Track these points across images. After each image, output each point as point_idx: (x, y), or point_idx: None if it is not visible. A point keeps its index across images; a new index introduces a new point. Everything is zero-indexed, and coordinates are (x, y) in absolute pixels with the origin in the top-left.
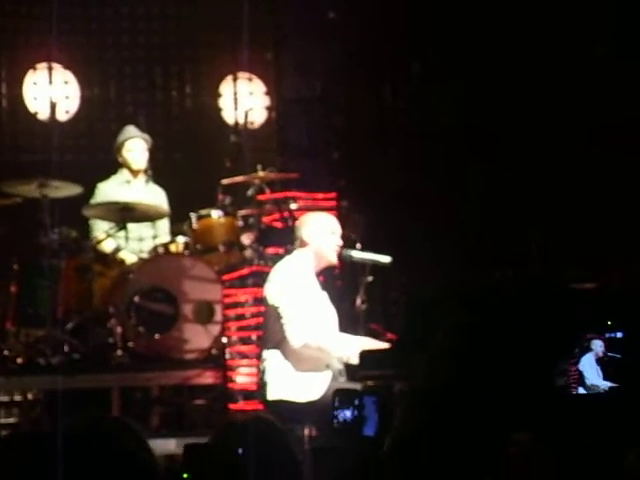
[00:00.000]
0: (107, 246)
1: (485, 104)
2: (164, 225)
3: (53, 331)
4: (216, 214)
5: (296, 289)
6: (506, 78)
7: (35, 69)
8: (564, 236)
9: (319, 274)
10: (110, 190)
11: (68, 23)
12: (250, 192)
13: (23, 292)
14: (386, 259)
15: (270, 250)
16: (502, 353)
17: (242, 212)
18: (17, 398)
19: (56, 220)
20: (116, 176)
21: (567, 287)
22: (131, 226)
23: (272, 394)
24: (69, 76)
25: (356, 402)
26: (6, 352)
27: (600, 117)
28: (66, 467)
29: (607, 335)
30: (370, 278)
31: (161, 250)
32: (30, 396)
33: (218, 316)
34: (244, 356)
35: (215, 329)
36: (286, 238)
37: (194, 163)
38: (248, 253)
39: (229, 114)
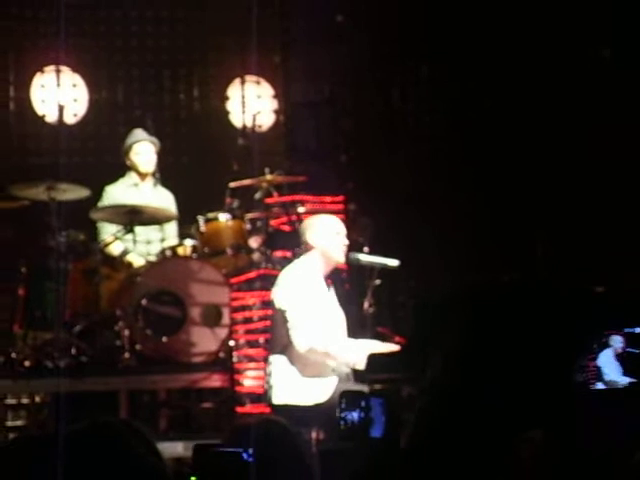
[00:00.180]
0: (115, 249)
1: (494, 107)
2: (172, 228)
3: (61, 334)
4: (224, 217)
5: (303, 293)
6: (515, 81)
7: (43, 72)
8: (571, 239)
9: (327, 277)
10: (118, 193)
11: (76, 26)
12: (258, 195)
13: (31, 295)
14: (394, 262)
15: (278, 253)
16: (514, 353)
17: (250, 215)
18: (25, 401)
19: (64, 223)
20: (124, 179)
21: (580, 288)
22: (139, 229)
23: (278, 398)
24: (77, 79)
25: (362, 404)
26: (14, 355)
27: (602, 120)
28: (74, 470)
29: (626, 330)
30: (378, 281)
31: (169, 253)
32: (38, 399)
33: (225, 319)
34: (251, 359)
35: (222, 332)
36: (294, 241)
37: (202, 166)
38: (256, 256)
39: (237, 117)
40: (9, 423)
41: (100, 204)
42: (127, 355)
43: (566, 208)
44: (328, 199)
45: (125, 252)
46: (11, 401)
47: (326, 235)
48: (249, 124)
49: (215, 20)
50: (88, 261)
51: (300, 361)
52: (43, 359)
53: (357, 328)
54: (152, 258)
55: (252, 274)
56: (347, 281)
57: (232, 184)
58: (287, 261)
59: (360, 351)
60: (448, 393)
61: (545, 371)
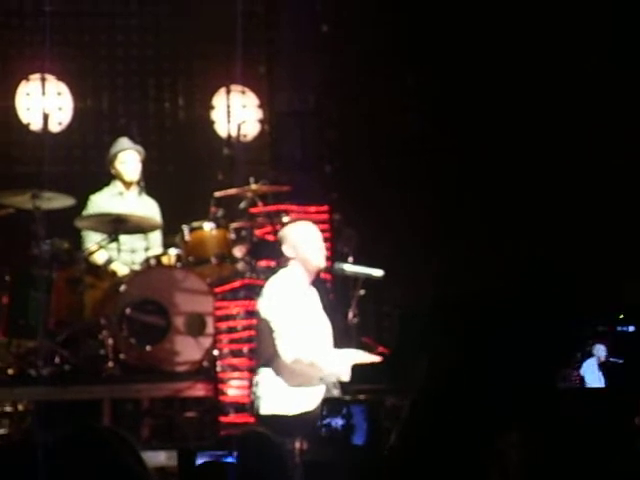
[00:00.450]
0: (99, 258)
1: (481, 117)
2: (156, 237)
3: (44, 342)
4: (208, 226)
5: (287, 304)
6: (503, 90)
7: (28, 80)
8: (560, 247)
9: (314, 284)
10: (102, 202)
11: (61, 34)
12: (243, 205)
13: (14, 303)
14: (378, 273)
15: (262, 263)
16: (500, 360)
17: (234, 225)
18: (8, 409)
19: (48, 231)
20: (109, 188)
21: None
22: (123, 238)
23: (265, 409)
24: (62, 87)
25: (344, 411)
26: None
27: (596, 125)
28: (62, 476)
29: (619, 329)
30: (362, 292)
31: (153, 262)
32: (21, 407)
33: (209, 328)
34: (235, 369)
35: (206, 341)
36: (278, 251)
37: (187, 175)
38: (240, 266)
39: (222, 127)
40: None
41: (85, 213)
42: (111, 364)
43: (555, 217)
44: (313, 209)
45: (109, 261)
46: None
47: (300, 244)
48: (234, 133)
49: (200, 29)
50: (72, 270)
51: (286, 371)
52: (27, 367)
53: (341, 338)
54: (136, 267)
55: (236, 283)
56: (331, 291)
57: (217, 193)
58: (271, 271)
59: (345, 362)
60: (434, 399)
61: (529, 377)
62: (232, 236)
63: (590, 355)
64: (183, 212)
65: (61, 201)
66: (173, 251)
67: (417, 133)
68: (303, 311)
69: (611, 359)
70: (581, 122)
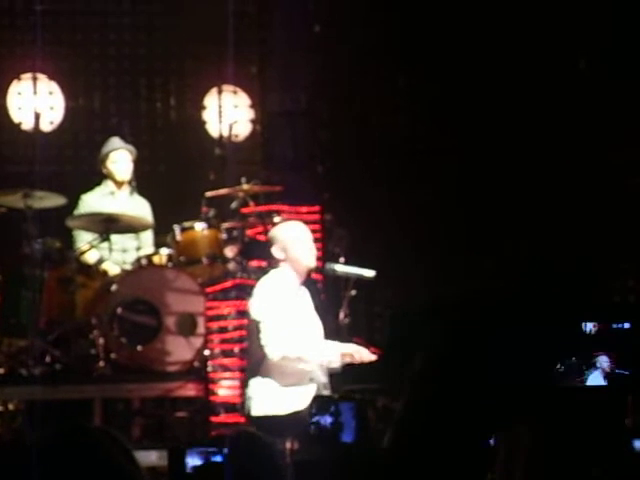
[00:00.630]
0: (90, 257)
1: (471, 117)
2: (148, 237)
3: (35, 341)
4: (200, 226)
5: (278, 304)
6: (495, 90)
7: (19, 79)
8: (551, 249)
9: (305, 284)
10: (94, 201)
11: (53, 34)
12: (234, 205)
13: (6, 302)
14: (370, 273)
15: (253, 263)
16: (494, 360)
17: (226, 225)
18: None
19: (40, 231)
20: (100, 187)
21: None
22: (115, 237)
23: (256, 410)
24: (54, 86)
25: (333, 409)
26: None
27: (580, 129)
28: (52, 476)
29: (614, 326)
30: (353, 292)
31: (144, 262)
32: (11, 406)
33: (201, 328)
34: (226, 369)
35: (198, 341)
36: (269, 251)
37: (178, 175)
38: (231, 266)
39: (214, 127)
40: None
41: (76, 212)
42: (102, 363)
43: (546, 219)
44: (304, 209)
45: (101, 260)
46: None
47: (290, 245)
48: (226, 133)
49: (193, 29)
50: (64, 269)
51: (277, 371)
52: (17, 366)
53: (333, 338)
54: (128, 267)
55: (228, 283)
56: (323, 291)
57: (208, 193)
58: (263, 271)
59: (334, 350)
60: (428, 399)
61: (527, 376)
62: (223, 236)
63: (595, 367)
64: (174, 212)
65: (52, 200)
66: (164, 251)
67: (408, 133)
68: (294, 311)
69: (618, 371)
70: (573, 121)
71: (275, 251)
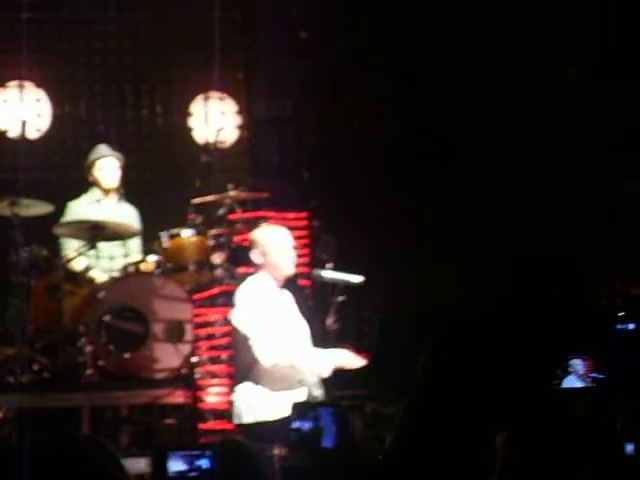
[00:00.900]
0: (78, 265)
1: (460, 122)
2: (135, 244)
3: (23, 350)
4: (187, 233)
5: (258, 310)
6: (482, 94)
7: (6, 87)
8: (540, 254)
9: (290, 290)
10: (81, 209)
11: (39, 42)
12: (221, 211)
13: None
14: (357, 279)
15: (241, 269)
16: (489, 366)
17: (213, 231)
18: None
19: (27, 238)
20: (87, 195)
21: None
22: (102, 245)
23: (245, 417)
24: (40, 94)
25: (312, 414)
26: None
27: (569, 134)
28: None
29: (618, 327)
30: (341, 298)
31: (131, 269)
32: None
33: (188, 335)
34: (214, 376)
35: (185, 348)
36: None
37: (165, 182)
38: (219, 272)
39: (200, 133)
40: None
41: (63, 219)
42: (90, 371)
43: (535, 222)
44: (291, 215)
45: (88, 268)
46: None
47: (268, 251)
48: (212, 140)
49: (178, 36)
50: (51, 277)
51: (267, 376)
52: (5, 375)
53: (320, 345)
54: (115, 274)
55: (215, 290)
56: (310, 298)
57: (195, 200)
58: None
59: (325, 359)
60: (427, 404)
61: (521, 380)
62: (211, 243)
63: (569, 371)
64: (161, 219)
65: (39, 208)
66: (152, 258)
67: (395, 138)
68: (276, 316)
69: (592, 375)
70: (562, 125)
71: (254, 255)
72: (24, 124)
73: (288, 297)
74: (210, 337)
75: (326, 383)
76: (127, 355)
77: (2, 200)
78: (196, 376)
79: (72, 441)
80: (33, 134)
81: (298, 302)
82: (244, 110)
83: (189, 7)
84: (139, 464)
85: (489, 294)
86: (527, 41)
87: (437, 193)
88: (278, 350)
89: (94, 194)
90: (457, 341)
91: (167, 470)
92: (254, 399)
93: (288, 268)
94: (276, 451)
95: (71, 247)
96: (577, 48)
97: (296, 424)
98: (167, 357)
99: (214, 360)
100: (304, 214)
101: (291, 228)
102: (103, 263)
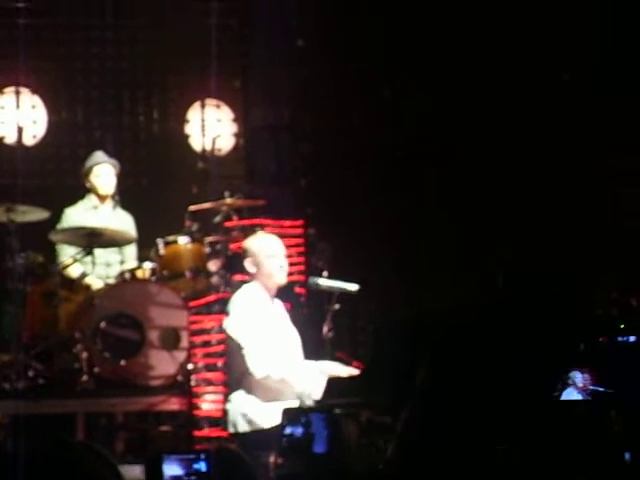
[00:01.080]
0: (73, 271)
1: (455, 129)
2: (131, 251)
3: (18, 356)
4: (183, 240)
5: (252, 321)
6: (479, 101)
7: (2, 93)
8: (533, 263)
9: (280, 297)
10: (77, 215)
11: (36, 47)
12: (217, 219)
13: None
14: (353, 287)
15: (237, 277)
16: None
17: (209, 239)
18: None
19: (23, 245)
20: (83, 201)
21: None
22: (98, 251)
23: (240, 425)
24: (37, 100)
25: (303, 420)
26: None
27: (563, 140)
28: None
29: (619, 339)
30: (337, 306)
31: (127, 276)
32: None
33: (184, 342)
34: (210, 383)
35: (181, 356)
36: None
37: (161, 189)
38: (215, 280)
39: (197, 140)
40: None
41: (59, 226)
42: (85, 378)
43: (531, 229)
44: (287, 223)
45: (84, 274)
46: None
47: (261, 261)
48: (209, 147)
49: (175, 43)
50: (47, 283)
51: (259, 387)
52: (1, 381)
53: (315, 353)
54: (111, 281)
55: (211, 297)
56: (306, 306)
57: (191, 207)
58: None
59: (317, 379)
60: (427, 413)
61: (524, 388)
62: (207, 250)
63: (569, 384)
64: (158, 226)
65: (35, 214)
66: (148, 265)
67: (392, 146)
68: (268, 325)
69: (593, 388)
70: (558, 131)
71: (247, 265)
72: (20, 130)
73: (280, 307)
74: (206, 344)
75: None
76: (122, 362)
77: None
78: (191, 383)
79: (67, 448)
80: (29, 140)
81: (293, 310)
82: (240, 117)
83: (186, 14)
84: (134, 471)
85: (485, 301)
86: (523, 46)
87: (433, 201)
88: (270, 362)
89: (90, 200)
90: (455, 349)
91: (163, 475)
92: (248, 408)
93: (280, 277)
94: (271, 459)
95: (67, 254)
96: (574, 54)
97: (287, 430)
98: (162, 364)
99: (209, 367)
100: (300, 222)
101: (287, 236)
102: (99, 270)
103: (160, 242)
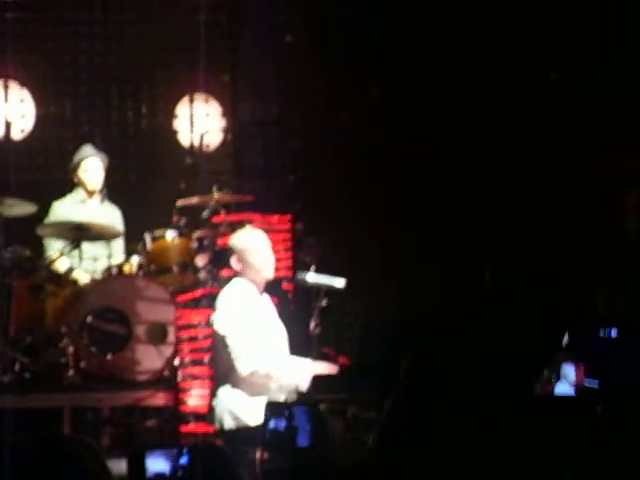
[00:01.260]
0: (61, 265)
1: (444, 127)
2: (118, 245)
3: (5, 350)
4: (171, 235)
5: (240, 317)
6: (468, 100)
7: None
8: (519, 261)
9: (268, 293)
10: (65, 209)
11: (24, 41)
12: (205, 214)
13: None
14: (340, 282)
15: (224, 272)
16: (471, 369)
17: (197, 234)
18: None
19: (10, 239)
20: (71, 195)
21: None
22: (85, 246)
23: (227, 422)
24: (25, 94)
25: (286, 413)
26: None
27: (554, 139)
28: None
29: (601, 335)
30: (324, 302)
31: (115, 270)
32: None
33: (171, 337)
34: (196, 378)
35: (168, 350)
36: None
37: (149, 183)
38: (202, 275)
39: (185, 135)
40: None
41: (47, 220)
42: (71, 372)
43: (515, 231)
44: (275, 218)
45: (71, 269)
46: None
47: (247, 256)
48: (197, 142)
49: (164, 38)
50: (34, 277)
51: (244, 382)
52: None
53: (302, 349)
54: (98, 275)
55: (198, 292)
56: (293, 302)
57: (179, 202)
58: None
59: (302, 372)
60: (409, 404)
61: (505, 383)
62: (194, 245)
63: (561, 376)
64: (145, 220)
65: (23, 208)
66: (135, 259)
67: (380, 143)
68: (256, 321)
69: (586, 383)
70: (546, 131)
71: (234, 262)
72: (8, 125)
73: (268, 301)
74: (192, 339)
75: (307, 388)
76: (109, 356)
77: None
78: (178, 378)
79: (58, 441)
80: (17, 135)
81: (281, 306)
82: (229, 113)
83: (175, 9)
84: (121, 465)
85: (472, 299)
86: (512, 47)
87: (421, 198)
88: (256, 357)
89: (78, 195)
90: (440, 346)
91: (146, 471)
92: (234, 404)
93: (268, 272)
94: (258, 455)
95: (54, 248)
96: (563, 56)
97: (272, 424)
98: (149, 359)
99: (196, 362)
100: (288, 217)
101: (275, 231)
102: (86, 264)
103: (148, 237)
